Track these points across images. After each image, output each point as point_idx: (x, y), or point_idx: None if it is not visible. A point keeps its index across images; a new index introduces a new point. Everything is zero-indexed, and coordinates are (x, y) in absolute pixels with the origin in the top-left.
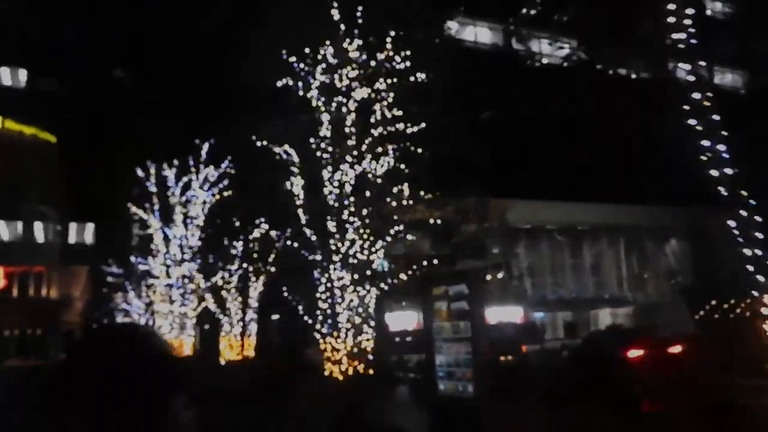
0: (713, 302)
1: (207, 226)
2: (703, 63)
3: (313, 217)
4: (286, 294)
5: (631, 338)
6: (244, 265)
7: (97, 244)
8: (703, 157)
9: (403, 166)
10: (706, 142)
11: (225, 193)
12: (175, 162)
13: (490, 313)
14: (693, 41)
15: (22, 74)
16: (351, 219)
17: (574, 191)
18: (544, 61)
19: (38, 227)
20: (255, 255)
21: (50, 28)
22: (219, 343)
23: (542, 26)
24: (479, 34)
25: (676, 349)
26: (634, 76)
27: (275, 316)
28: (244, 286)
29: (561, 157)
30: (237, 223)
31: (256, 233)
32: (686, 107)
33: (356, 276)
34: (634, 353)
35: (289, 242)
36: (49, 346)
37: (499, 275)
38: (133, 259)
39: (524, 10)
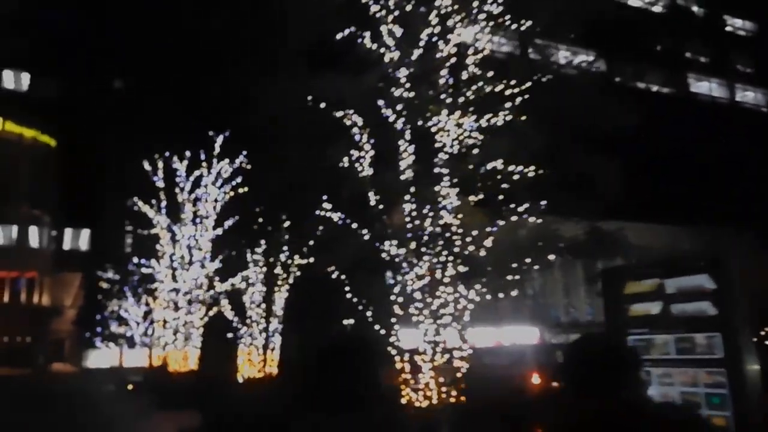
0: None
1: (221, 223)
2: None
3: (385, 196)
4: (352, 297)
5: None
6: (281, 259)
7: (93, 249)
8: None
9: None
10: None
11: (240, 190)
12: (187, 153)
13: (504, 333)
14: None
15: (25, 78)
16: (444, 194)
17: (586, 208)
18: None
19: (33, 232)
20: (288, 250)
21: (53, 31)
22: (236, 357)
23: (559, 37)
24: (495, 43)
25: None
26: (654, 89)
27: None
28: (269, 290)
29: (573, 171)
30: (260, 218)
31: (284, 224)
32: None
33: (448, 272)
34: None
35: (360, 230)
36: (37, 354)
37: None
38: (135, 260)
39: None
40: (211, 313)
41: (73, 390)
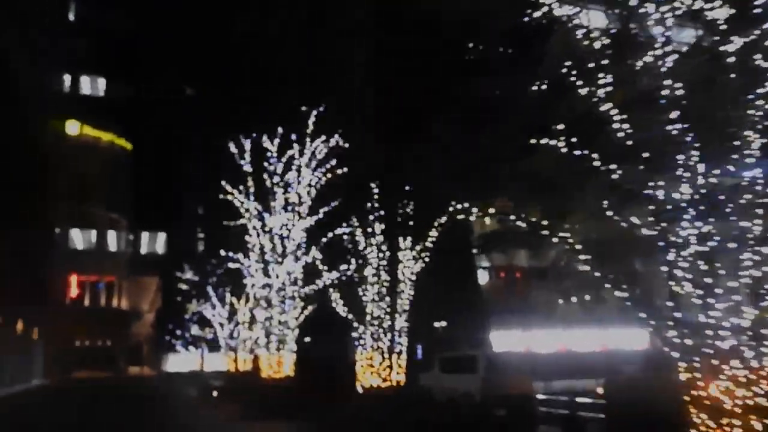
0: None
1: (316, 210)
2: None
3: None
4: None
5: None
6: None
7: (170, 251)
8: None
9: None
10: None
11: (338, 171)
12: (279, 130)
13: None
14: None
15: (101, 82)
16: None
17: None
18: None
19: (111, 236)
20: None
21: (130, 37)
22: (353, 362)
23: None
24: (592, 18)
25: None
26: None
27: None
28: (393, 278)
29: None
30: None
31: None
32: None
33: None
34: None
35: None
36: (118, 358)
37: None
38: (222, 253)
39: None
40: (307, 312)
41: (156, 394)
